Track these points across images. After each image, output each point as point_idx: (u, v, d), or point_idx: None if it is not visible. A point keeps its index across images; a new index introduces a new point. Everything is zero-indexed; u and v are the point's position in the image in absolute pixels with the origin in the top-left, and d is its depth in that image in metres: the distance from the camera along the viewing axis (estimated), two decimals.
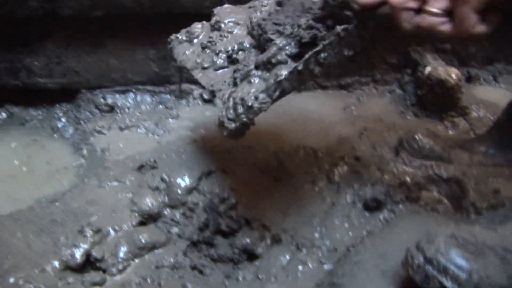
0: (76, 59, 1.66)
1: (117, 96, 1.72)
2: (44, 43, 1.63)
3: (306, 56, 1.05)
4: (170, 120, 1.64)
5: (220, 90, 1.16)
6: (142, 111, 1.71)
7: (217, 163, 1.45)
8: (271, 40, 1.10)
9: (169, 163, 1.44)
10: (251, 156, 1.49)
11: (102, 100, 1.70)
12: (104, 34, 1.62)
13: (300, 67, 1.05)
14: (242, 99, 1.06)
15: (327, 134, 1.59)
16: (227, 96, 1.11)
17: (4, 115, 1.73)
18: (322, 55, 1.05)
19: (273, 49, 1.08)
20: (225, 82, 1.17)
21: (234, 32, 1.24)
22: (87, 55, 1.65)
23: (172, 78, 1.72)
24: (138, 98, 1.73)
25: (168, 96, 1.74)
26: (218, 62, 1.21)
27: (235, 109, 1.07)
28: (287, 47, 1.07)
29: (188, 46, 1.28)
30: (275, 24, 1.12)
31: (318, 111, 1.70)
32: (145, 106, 1.73)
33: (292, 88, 1.08)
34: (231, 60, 1.21)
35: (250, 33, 1.21)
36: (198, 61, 1.23)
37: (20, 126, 1.70)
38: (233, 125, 1.07)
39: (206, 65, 1.22)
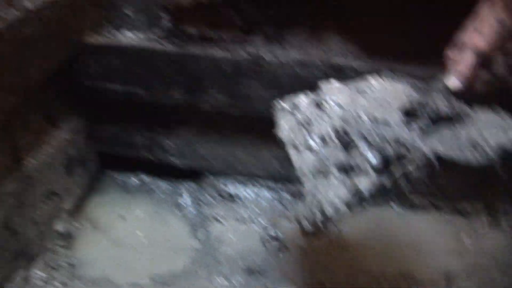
0: (206, 146, 1.78)
1: (238, 186, 1.82)
2: (181, 128, 1.77)
3: (394, 173, 0.97)
4: (285, 221, 1.71)
5: (305, 176, 1.06)
6: (260, 206, 1.79)
7: (319, 277, 1.50)
8: (354, 142, 1.02)
9: (276, 271, 1.52)
10: (353, 277, 1.52)
11: (223, 187, 1.81)
12: (236, 129, 1.73)
13: (385, 183, 0.96)
14: (320, 202, 0.98)
15: (433, 264, 1.57)
16: (306, 190, 1.03)
17: (136, 181, 1.90)
18: (414, 174, 0.97)
19: (356, 154, 1.01)
20: (310, 169, 1.06)
21: (332, 115, 1.12)
22: (217, 145, 1.77)
23: (292, 178, 1.79)
24: (258, 192, 1.82)
25: (287, 196, 1.80)
26: (310, 144, 1.09)
27: (311, 210, 0.99)
28: (370, 157, 0.99)
29: (289, 117, 1.19)
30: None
31: (427, 235, 1.68)
32: (263, 201, 1.81)
33: (375, 201, 1.03)
34: (323, 146, 1.08)
35: (333, 126, 1.09)
36: (292, 137, 1.14)
37: (146, 195, 1.85)
38: (307, 225, 0.99)
39: (298, 144, 1.12)
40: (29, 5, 1.35)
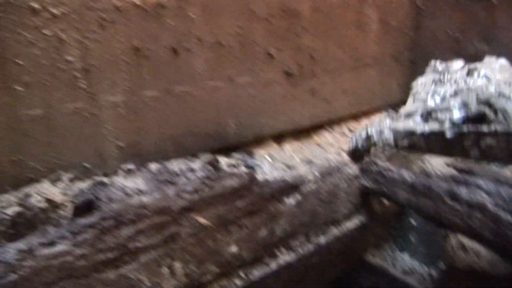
0: None
1: None
2: None
3: (465, 129, 0.91)
4: None
5: (397, 117, 1.08)
6: None
7: None
8: (446, 98, 1.00)
9: None
10: None
11: None
12: None
13: (448, 135, 0.92)
14: (376, 130, 1.03)
15: None
16: (377, 120, 1.08)
17: None
18: (487, 141, 0.87)
19: (442, 105, 0.98)
20: (407, 111, 1.08)
21: (471, 85, 1.03)
22: None
23: None
24: None
25: None
26: (428, 101, 1.06)
27: (366, 133, 1.06)
28: (454, 112, 0.95)
29: (431, 76, 1.17)
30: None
31: None
32: None
33: (428, 151, 0.95)
34: (439, 103, 1.04)
35: (459, 90, 1.02)
36: (419, 89, 1.13)
37: None
38: (352, 144, 1.09)
39: (418, 96, 1.11)
40: (322, 240, 1.58)
